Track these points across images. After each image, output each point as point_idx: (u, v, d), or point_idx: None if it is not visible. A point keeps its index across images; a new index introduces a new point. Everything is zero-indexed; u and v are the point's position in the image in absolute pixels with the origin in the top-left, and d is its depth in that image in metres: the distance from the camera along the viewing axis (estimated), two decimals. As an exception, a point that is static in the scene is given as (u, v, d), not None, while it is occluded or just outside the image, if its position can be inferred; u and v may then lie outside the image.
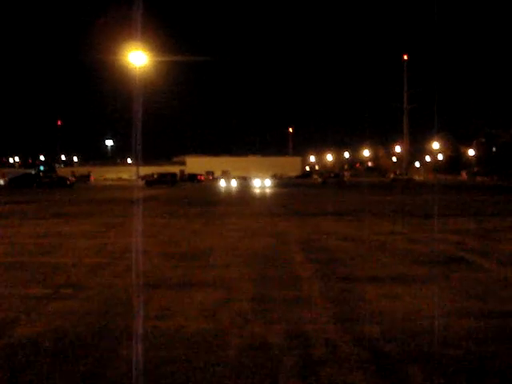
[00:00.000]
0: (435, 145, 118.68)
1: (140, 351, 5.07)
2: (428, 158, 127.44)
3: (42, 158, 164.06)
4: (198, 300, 7.00)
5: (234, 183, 54.47)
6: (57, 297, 7.27)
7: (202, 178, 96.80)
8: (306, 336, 5.47)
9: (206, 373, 4.56)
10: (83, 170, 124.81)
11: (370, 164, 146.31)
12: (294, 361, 4.80)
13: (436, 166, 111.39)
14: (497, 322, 6.01)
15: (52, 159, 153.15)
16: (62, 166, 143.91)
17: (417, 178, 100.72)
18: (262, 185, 56.54)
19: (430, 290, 7.53)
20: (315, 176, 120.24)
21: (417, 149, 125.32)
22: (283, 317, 6.16)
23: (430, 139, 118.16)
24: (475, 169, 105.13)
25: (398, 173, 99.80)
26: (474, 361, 4.82)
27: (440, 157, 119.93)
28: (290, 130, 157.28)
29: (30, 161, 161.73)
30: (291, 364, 4.73)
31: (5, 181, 70.82)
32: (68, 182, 61.70)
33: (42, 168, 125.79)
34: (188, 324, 5.92)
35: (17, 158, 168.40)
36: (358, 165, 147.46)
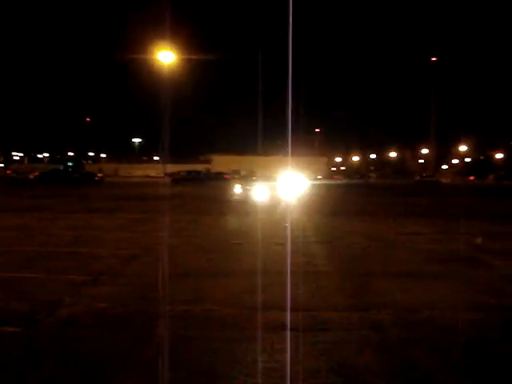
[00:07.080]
0: (462, 147, 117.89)
1: (172, 330, 5.67)
2: (455, 161, 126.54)
3: (70, 154, 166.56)
4: (224, 288, 7.61)
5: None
6: (95, 283, 7.93)
7: (228, 176, 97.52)
8: (323, 321, 6.04)
9: (233, 348, 5.15)
10: (110, 167, 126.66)
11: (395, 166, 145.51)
12: (310, 341, 5.36)
13: (463, 169, 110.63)
14: (501, 314, 6.49)
15: (80, 155, 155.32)
16: (90, 162, 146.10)
17: (443, 180, 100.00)
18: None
19: (441, 285, 8.03)
20: (340, 176, 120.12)
21: (444, 151, 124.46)
22: (302, 305, 6.71)
23: (457, 142, 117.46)
24: (502, 172, 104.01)
25: (424, 175, 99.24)
26: (475, 345, 5.33)
27: (467, 160, 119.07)
28: (317, 130, 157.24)
29: (59, 156, 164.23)
30: (308, 343, 5.29)
31: (34, 176, 72.81)
32: (96, 178, 62.87)
33: (70, 164, 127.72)
34: (216, 308, 6.52)
35: (46, 154, 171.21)
36: (386, 169, 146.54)
